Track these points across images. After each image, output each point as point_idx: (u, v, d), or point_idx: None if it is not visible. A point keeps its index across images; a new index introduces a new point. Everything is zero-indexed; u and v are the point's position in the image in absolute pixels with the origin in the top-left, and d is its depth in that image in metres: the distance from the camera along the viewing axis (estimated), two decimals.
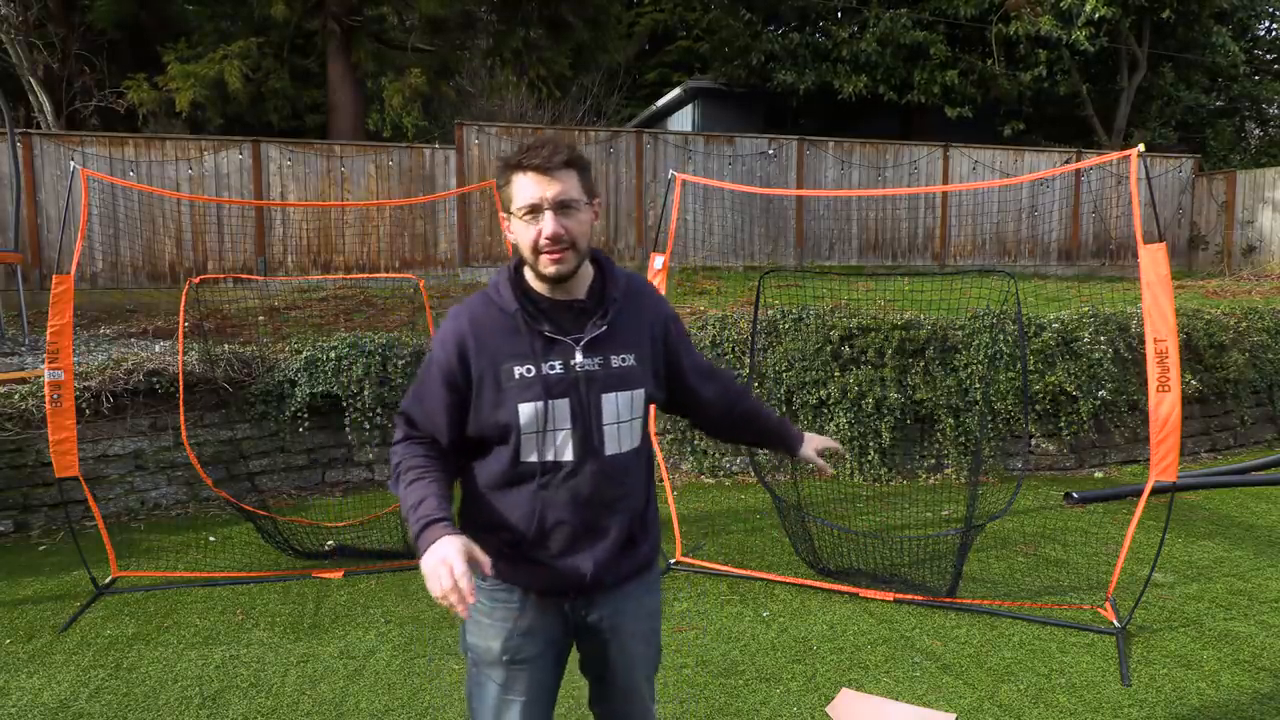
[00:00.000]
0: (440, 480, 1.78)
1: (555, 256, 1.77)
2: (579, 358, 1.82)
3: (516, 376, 1.80)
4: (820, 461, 2.28)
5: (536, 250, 1.78)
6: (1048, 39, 13.80)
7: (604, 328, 1.85)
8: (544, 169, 1.76)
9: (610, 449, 1.85)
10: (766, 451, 6.56)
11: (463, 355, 1.82)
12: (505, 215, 1.85)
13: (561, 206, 1.77)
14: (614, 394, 1.85)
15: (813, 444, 2.31)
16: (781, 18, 16.85)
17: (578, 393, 1.81)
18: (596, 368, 1.83)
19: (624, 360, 1.87)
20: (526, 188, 1.77)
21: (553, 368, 1.80)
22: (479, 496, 1.89)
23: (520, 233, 1.80)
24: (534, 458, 1.81)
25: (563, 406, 1.80)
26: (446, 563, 1.56)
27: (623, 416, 1.86)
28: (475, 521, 1.90)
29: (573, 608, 1.92)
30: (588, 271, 1.90)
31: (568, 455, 1.82)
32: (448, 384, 1.83)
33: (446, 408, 1.84)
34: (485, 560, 1.64)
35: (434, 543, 1.62)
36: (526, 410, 1.79)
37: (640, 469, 1.94)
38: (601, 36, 13.74)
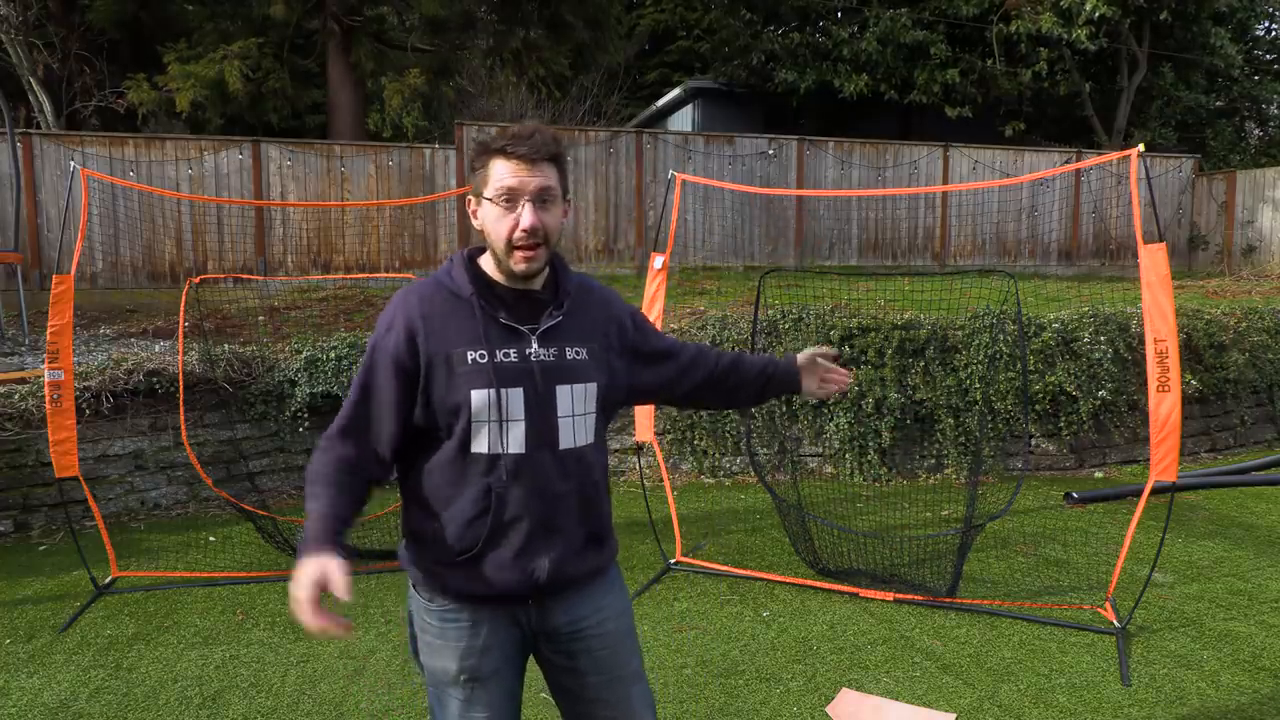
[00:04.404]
0: (343, 493, 1.78)
1: (528, 254, 1.72)
2: (534, 346, 1.76)
3: (469, 361, 1.72)
4: (829, 389, 2.17)
5: (510, 243, 1.72)
6: (1048, 38, 13.79)
7: (559, 319, 1.80)
8: (529, 159, 1.70)
9: (565, 443, 1.79)
10: (766, 450, 6.57)
11: (411, 340, 1.73)
12: (474, 199, 1.77)
13: (541, 199, 1.72)
14: (568, 386, 1.78)
15: (812, 379, 2.18)
16: (781, 17, 16.84)
17: (532, 382, 1.75)
18: (551, 358, 1.77)
19: (578, 354, 1.81)
20: (507, 174, 1.70)
21: (507, 355, 1.74)
22: (425, 503, 1.80)
23: (492, 221, 1.73)
24: (484, 449, 1.73)
25: (516, 396, 1.73)
26: (297, 597, 1.63)
27: (577, 410, 1.80)
28: (422, 535, 1.81)
29: (529, 617, 1.82)
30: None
31: (520, 447, 1.74)
32: (397, 371, 1.74)
33: (397, 401, 1.74)
34: (340, 586, 1.65)
35: (299, 564, 1.67)
36: (478, 396, 1.71)
37: (599, 466, 1.89)
38: (601, 37, 13.73)
